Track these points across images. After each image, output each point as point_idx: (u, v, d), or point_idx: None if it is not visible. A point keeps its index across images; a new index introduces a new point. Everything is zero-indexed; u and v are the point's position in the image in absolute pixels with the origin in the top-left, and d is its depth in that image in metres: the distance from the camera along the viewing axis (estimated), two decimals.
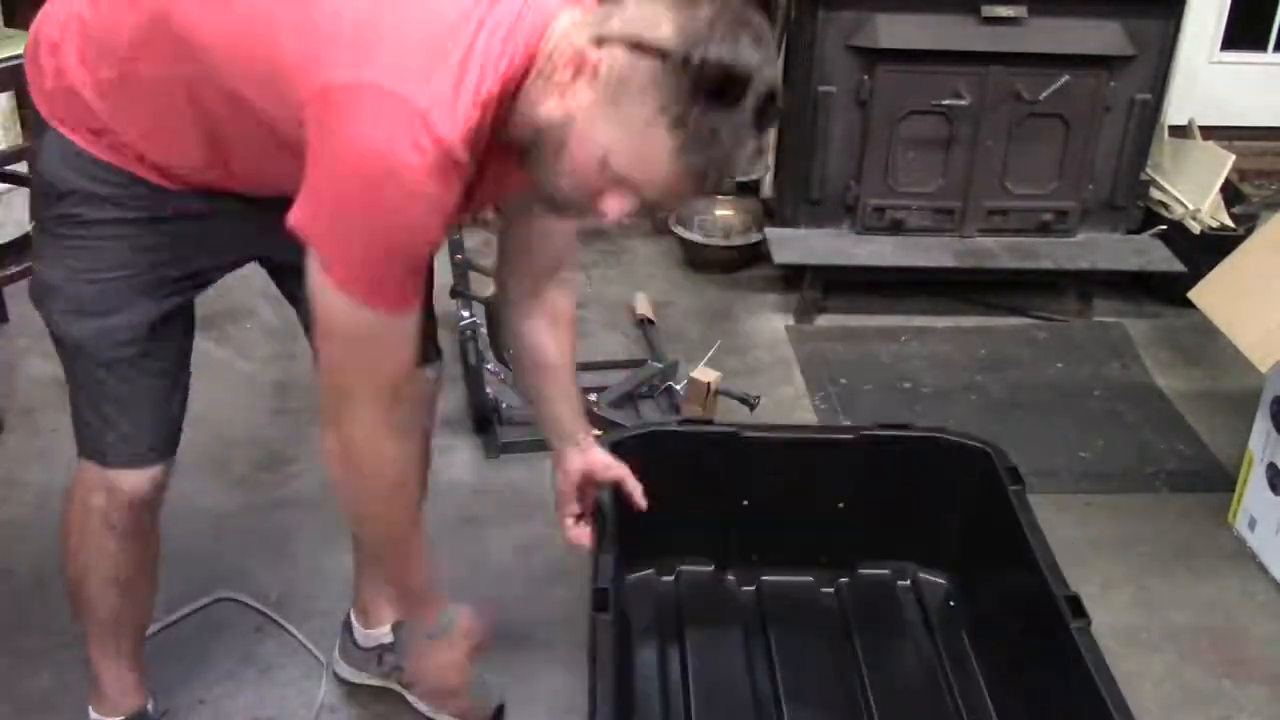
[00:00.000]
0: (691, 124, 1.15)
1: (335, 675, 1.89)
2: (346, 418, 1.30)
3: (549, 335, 1.63)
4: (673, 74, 1.14)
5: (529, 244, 1.57)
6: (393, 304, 1.24)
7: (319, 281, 1.23)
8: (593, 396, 2.43)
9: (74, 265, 1.42)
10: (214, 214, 1.42)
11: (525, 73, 1.21)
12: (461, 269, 2.77)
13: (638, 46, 1.15)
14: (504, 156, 1.26)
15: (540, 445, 2.37)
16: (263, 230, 1.33)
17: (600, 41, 1.18)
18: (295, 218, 1.20)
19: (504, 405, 2.48)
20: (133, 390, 1.45)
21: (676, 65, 1.13)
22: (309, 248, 1.22)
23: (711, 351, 2.64)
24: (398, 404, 1.31)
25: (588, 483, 1.74)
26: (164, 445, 1.51)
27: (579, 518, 1.75)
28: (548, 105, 1.20)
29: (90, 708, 1.72)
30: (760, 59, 1.16)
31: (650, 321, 2.83)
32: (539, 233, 1.54)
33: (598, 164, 1.20)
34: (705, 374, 2.46)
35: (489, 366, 2.52)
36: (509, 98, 1.21)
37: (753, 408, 2.48)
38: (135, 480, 1.50)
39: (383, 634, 1.83)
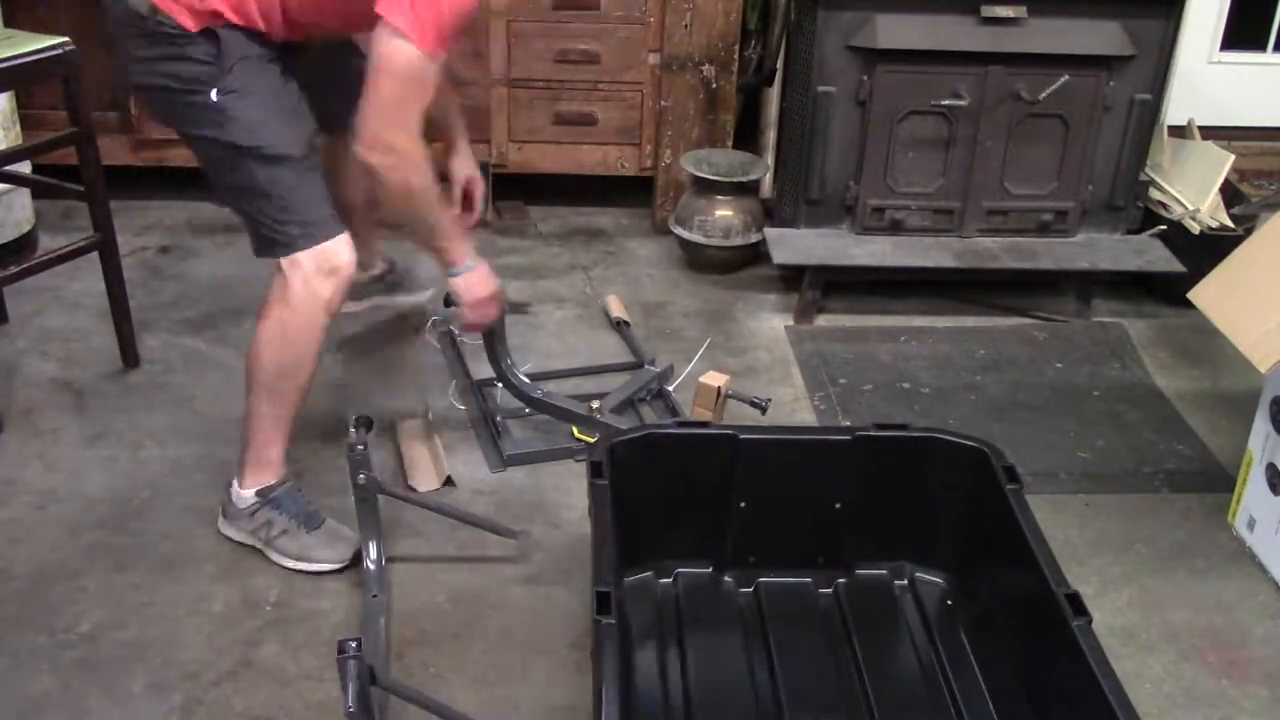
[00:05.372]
0: None
1: (219, 532, 2.16)
2: (397, 132, 1.89)
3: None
4: None
5: None
6: (439, 51, 1.86)
7: (398, 41, 1.82)
8: (595, 404, 2.43)
9: (265, 95, 1.95)
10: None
11: None
12: None
13: None
14: None
15: (542, 455, 2.39)
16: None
17: None
18: (382, 6, 1.81)
19: (500, 419, 2.48)
20: (315, 180, 1.99)
21: None
22: (387, 23, 1.81)
23: (702, 350, 2.64)
24: (420, 121, 1.91)
25: (466, 183, 2.44)
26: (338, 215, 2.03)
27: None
28: None
29: (242, 490, 2.10)
30: None
31: (625, 323, 2.82)
32: None
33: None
34: (714, 378, 2.45)
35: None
36: None
37: (764, 411, 2.47)
38: (341, 245, 1.98)
39: (249, 496, 2.11)
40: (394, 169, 1.93)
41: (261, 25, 1.93)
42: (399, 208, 2.05)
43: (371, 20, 1.84)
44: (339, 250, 1.98)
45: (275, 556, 2.10)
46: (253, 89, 1.93)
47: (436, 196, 2.05)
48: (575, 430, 2.43)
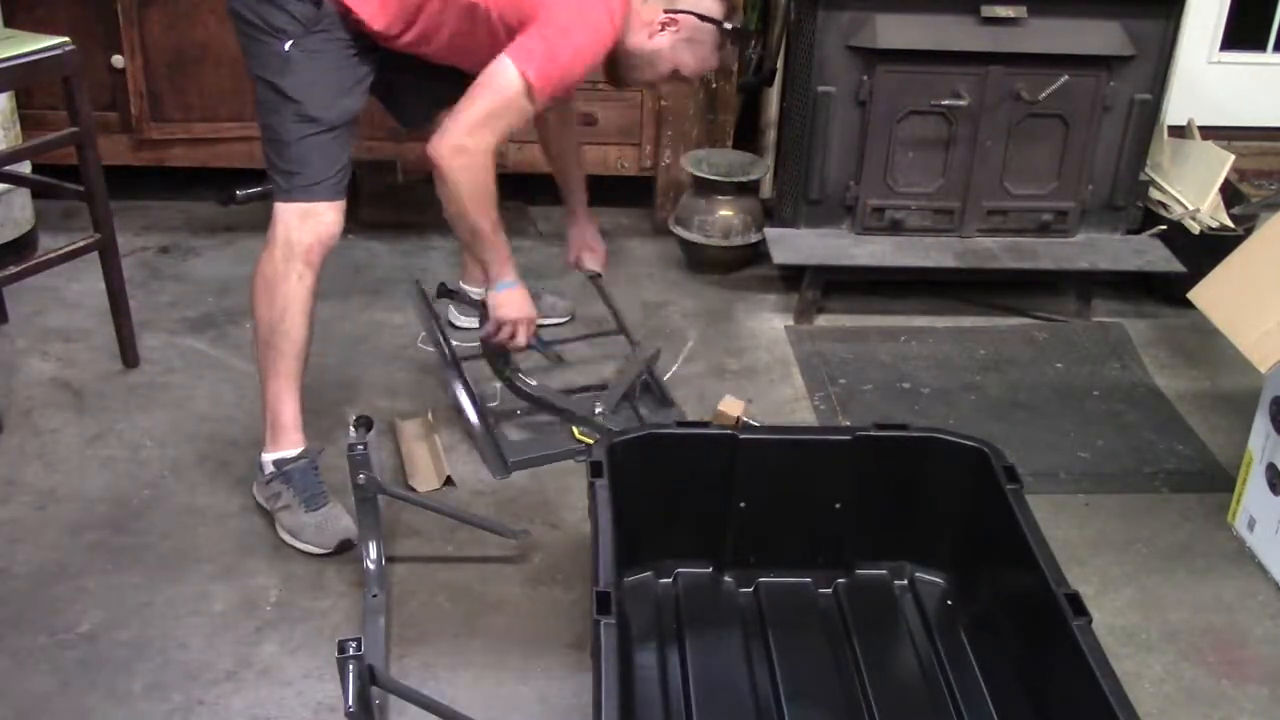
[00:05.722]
0: (726, 49, 2.39)
1: (254, 495, 2.25)
2: (476, 138, 2.07)
3: (561, 128, 2.63)
4: (720, 34, 2.29)
5: None
6: (543, 98, 2.10)
7: (513, 72, 2.06)
8: (598, 408, 2.43)
9: (329, 66, 2.11)
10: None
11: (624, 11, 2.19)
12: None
13: (704, 18, 2.27)
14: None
15: (544, 459, 2.39)
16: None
17: (673, 11, 2.25)
18: (513, 47, 2.07)
19: (494, 421, 2.47)
20: (336, 150, 2.13)
21: (725, 29, 2.29)
22: (511, 57, 2.06)
23: (687, 348, 2.62)
24: (497, 142, 2.10)
25: (580, 242, 2.70)
26: (346, 186, 2.18)
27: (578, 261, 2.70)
28: (637, 39, 2.25)
29: (265, 454, 2.19)
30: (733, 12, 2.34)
31: (598, 275, 2.79)
32: None
33: (672, 70, 2.31)
34: (733, 406, 2.41)
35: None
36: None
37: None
38: (330, 209, 2.12)
39: (270, 464, 2.19)
40: (463, 169, 2.08)
41: (373, 27, 2.12)
42: (455, 210, 2.16)
43: (481, 62, 2.10)
44: (325, 211, 2.12)
45: (277, 527, 2.17)
46: (320, 56, 2.09)
47: (493, 207, 2.16)
48: (576, 431, 2.43)
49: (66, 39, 2.42)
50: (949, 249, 3.00)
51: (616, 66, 2.30)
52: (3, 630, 1.94)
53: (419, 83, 2.35)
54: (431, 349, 2.64)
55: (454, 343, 2.59)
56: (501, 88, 2.06)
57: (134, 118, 3.20)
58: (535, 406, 2.48)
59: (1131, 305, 3.13)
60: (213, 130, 3.19)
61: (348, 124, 2.15)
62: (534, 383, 2.47)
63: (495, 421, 2.49)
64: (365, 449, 2.02)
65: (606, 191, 3.51)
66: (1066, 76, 2.86)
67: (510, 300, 2.27)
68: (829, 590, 2.05)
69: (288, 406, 2.18)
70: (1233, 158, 3.06)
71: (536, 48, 2.06)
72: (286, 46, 2.07)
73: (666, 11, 2.24)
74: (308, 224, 2.10)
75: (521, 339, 2.32)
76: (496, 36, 2.12)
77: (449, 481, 2.32)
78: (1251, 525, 2.26)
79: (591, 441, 2.35)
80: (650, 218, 3.44)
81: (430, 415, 2.50)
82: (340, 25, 2.10)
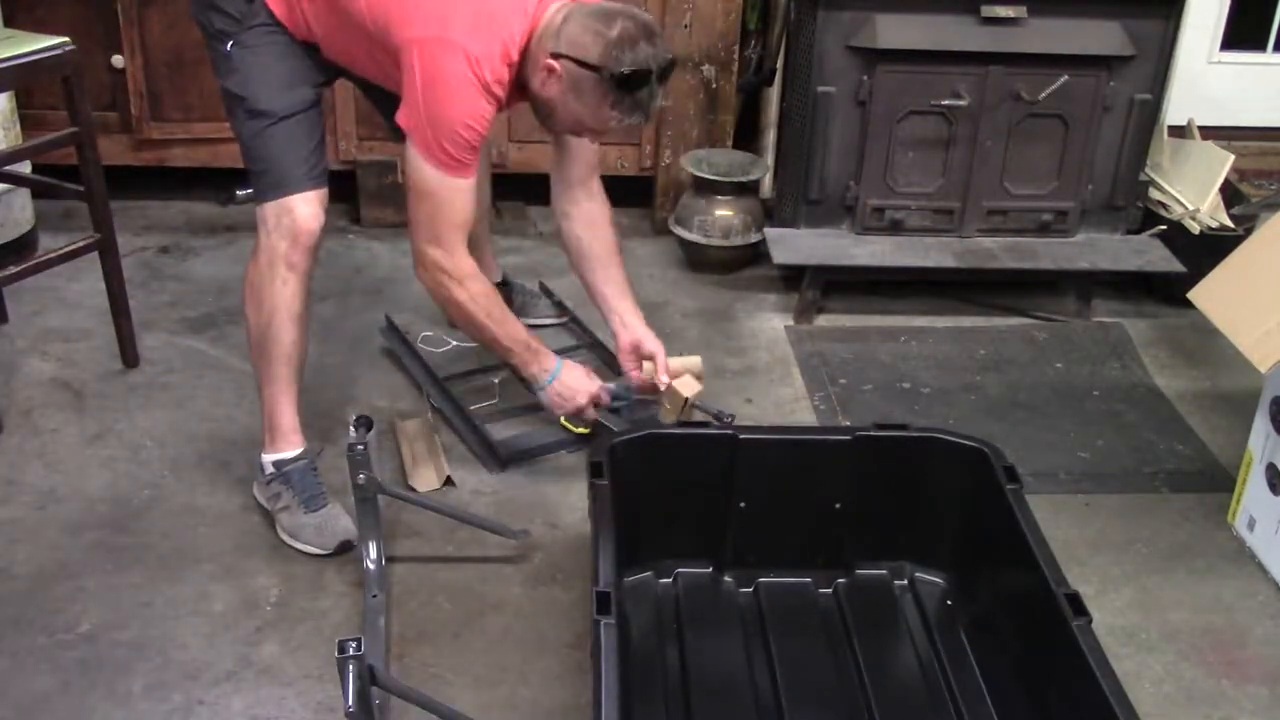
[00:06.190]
0: (624, 102, 1.99)
1: (254, 496, 2.24)
2: (435, 249, 2.07)
3: (587, 234, 2.36)
4: (606, 82, 1.96)
5: (563, 160, 2.34)
6: (455, 170, 2.02)
7: (413, 155, 2.01)
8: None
9: (268, 58, 2.08)
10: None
11: (524, 51, 2.00)
12: None
13: (580, 64, 1.95)
14: (519, 92, 2.07)
15: (535, 452, 2.39)
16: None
17: (556, 56, 1.97)
18: (400, 118, 2.02)
19: (478, 422, 2.47)
20: (294, 139, 2.07)
21: (606, 77, 1.95)
22: (408, 137, 2.01)
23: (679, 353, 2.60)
24: (462, 237, 2.07)
25: (635, 350, 2.35)
26: (321, 174, 2.11)
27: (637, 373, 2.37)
28: (535, 83, 2.02)
29: (265, 455, 2.18)
30: (653, 51, 1.96)
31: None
32: (567, 155, 2.32)
33: (575, 123, 2.07)
34: (687, 387, 2.34)
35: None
36: (519, 64, 2.02)
37: (725, 425, 2.35)
38: (301, 202, 2.06)
39: (269, 465, 2.18)
40: (440, 286, 2.12)
41: (281, 20, 2.10)
42: (459, 324, 2.19)
43: (394, 82, 2.03)
44: (300, 205, 2.07)
45: (277, 528, 2.16)
46: (260, 50, 2.08)
47: (495, 312, 2.16)
48: (562, 419, 2.42)
49: (66, 39, 2.42)
50: (949, 249, 3.00)
51: (536, 111, 2.11)
52: (3, 630, 1.94)
53: (379, 85, 2.25)
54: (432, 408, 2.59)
55: (439, 350, 2.58)
56: (417, 182, 2.04)
57: (134, 118, 3.20)
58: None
59: (1131, 305, 3.13)
60: (212, 130, 3.19)
61: (306, 111, 2.11)
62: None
63: (483, 420, 2.48)
64: (365, 449, 2.02)
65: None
66: (1066, 76, 2.86)
67: (564, 394, 2.25)
68: (829, 590, 2.05)
69: (284, 409, 2.18)
70: (1233, 158, 3.06)
71: (415, 122, 1.99)
72: (228, 47, 2.08)
73: (550, 55, 1.98)
74: (282, 225, 2.07)
75: (591, 414, 2.28)
76: (390, 66, 2.04)
77: (449, 481, 2.32)
78: (1251, 525, 2.26)
79: (582, 431, 2.37)
80: (650, 218, 3.44)
81: (430, 415, 2.50)
82: (274, 18, 2.08)
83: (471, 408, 2.49)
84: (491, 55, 1.96)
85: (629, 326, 2.35)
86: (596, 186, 2.37)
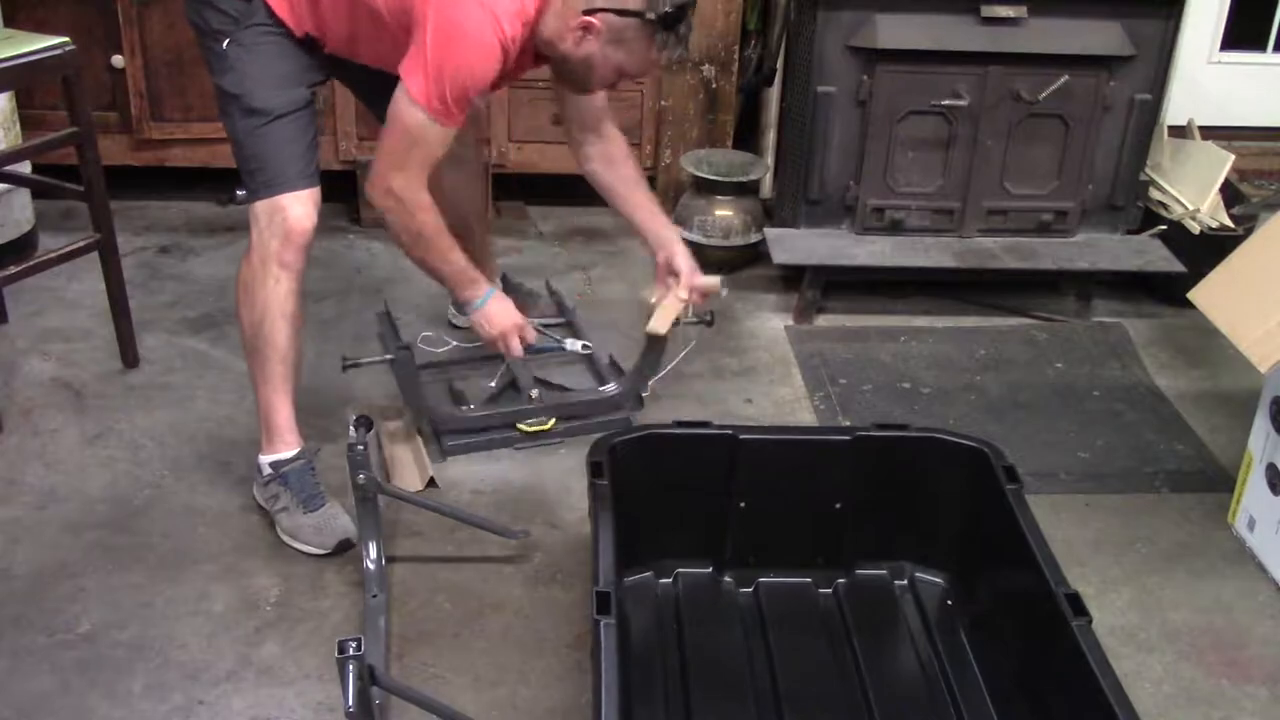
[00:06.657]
0: (669, 41, 2.04)
1: (254, 496, 2.25)
2: (397, 176, 2.06)
3: (608, 172, 2.44)
4: (650, 25, 2.01)
5: (570, 113, 2.39)
6: (445, 119, 2.02)
7: (404, 99, 2.01)
8: (534, 392, 2.48)
9: (265, 56, 2.10)
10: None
11: (541, 12, 2.04)
12: None
13: (621, 13, 2.01)
14: (524, 53, 2.10)
15: (479, 446, 2.41)
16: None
17: (591, 12, 2.01)
18: (402, 67, 2.01)
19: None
20: (290, 138, 2.10)
21: (651, 20, 2.01)
22: (404, 82, 2.00)
23: (689, 348, 2.60)
24: (425, 174, 2.08)
25: (669, 268, 2.38)
26: (314, 173, 2.13)
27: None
28: (566, 44, 2.05)
29: (262, 456, 2.18)
30: None
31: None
32: (574, 107, 2.37)
33: (615, 72, 2.10)
34: (662, 324, 2.37)
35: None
36: (533, 24, 2.05)
37: (709, 325, 2.51)
38: (294, 200, 2.08)
39: (267, 466, 2.19)
40: (393, 211, 2.11)
41: (286, 23, 2.11)
42: (405, 249, 2.18)
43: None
44: (292, 204, 2.08)
45: (277, 528, 2.17)
46: (257, 49, 2.09)
47: (439, 237, 2.16)
48: (519, 425, 2.45)
49: (66, 39, 2.42)
50: (949, 249, 3.00)
51: (563, 76, 2.17)
52: (3, 630, 1.94)
53: (374, 79, 2.23)
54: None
55: (439, 349, 2.60)
56: (401, 118, 2.03)
57: (134, 118, 3.20)
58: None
59: (1131, 305, 3.13)
60: (212, 130, 3.17)
61: (300, 111, 2.12)
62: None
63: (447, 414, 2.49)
64: (365, 449, 2.02)
65: None
66: (1066, 76, 2.86)
67: (488, 317, 2.26)
68: (829, 590, 2.05)
69: (280, 409, 2.18)
70: (1233, 158, 3.06)
71: (418, 67, 1.98)
72: (224, 45, 2.08)
73: (583, 13, 2.03)
74: (275, 223, 2.07)
75: (516, 348, 2.29)
76: (398, 39, 2.06)
77: (432, 482, 2.31)
78: (1251, 525, 2.26)
79: (532, 431, 2.44)
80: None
81: (412, 415, 2.49)
82: (273, 17, 2.09)
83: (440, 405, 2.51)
84: (512, 13, 1.99)
85: (663, 245, 2.39)
86: (607, 128, 2.41)
